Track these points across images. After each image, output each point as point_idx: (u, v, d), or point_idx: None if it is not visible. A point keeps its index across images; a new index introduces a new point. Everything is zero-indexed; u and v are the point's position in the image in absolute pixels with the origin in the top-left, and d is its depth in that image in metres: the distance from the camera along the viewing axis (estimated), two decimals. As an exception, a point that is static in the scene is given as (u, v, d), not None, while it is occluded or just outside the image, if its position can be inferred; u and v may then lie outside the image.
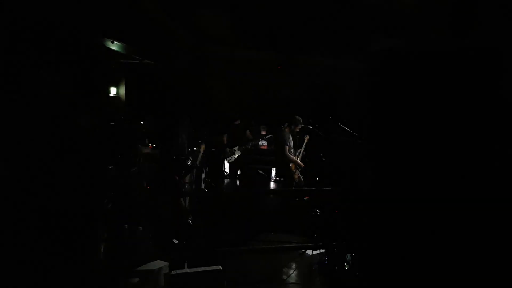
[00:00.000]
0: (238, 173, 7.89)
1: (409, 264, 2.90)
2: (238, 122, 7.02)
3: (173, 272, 3.47)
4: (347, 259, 4.19)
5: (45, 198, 3.17)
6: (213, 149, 6.72)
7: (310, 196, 6.20)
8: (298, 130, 6.27)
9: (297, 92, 8.04)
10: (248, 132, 7.07)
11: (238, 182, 7.19)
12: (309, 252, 4.76)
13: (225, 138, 6.93)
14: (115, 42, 5.76)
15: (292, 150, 6.31)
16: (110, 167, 4.76)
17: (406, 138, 3.09)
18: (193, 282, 3.43)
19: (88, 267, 3.38)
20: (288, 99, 8.06)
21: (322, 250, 4.71)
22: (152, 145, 5.93)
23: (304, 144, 6.58)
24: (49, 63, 3.46)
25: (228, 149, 6.88)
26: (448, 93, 2.79)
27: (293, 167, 6.22)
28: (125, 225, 3.94)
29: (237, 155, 6.91)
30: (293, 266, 4.49)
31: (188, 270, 3.55)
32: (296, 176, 6.29)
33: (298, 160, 6.32)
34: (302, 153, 6.51)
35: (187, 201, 4.98)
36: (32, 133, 3.12)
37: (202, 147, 5.88)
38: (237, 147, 6.88)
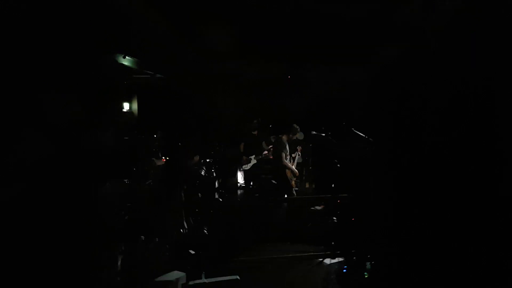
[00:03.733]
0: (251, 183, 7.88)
1: (428, 273, 2.84)
2: (255, 132, 7.06)
3: (191, 283, 3.45)
4: (367, 267, 4.10)
5: (62, 213, 3.19)
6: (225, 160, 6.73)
7: (325, 204, 6.16)
8: (295, 138, 6.38)
9: (307, 101, 8.02)
10: (264, 143, 7.11)
11: (252, 192, 7.16)
12: (327, 261, 4.68)
13: (242, 146, 6.97)
14: (127, 57, 5.86)
15: (289, 157, 6.41)
16: (125, 180, 4.79)
17: (416, 142, 3.06)
18: (211, 292, 3.41)
19: (106, 280, 3.38)
20: (299, 107, 8.05)
21: (340, 259, 4.62)
22: (165, 158, 5.98)
23: (298, 153, 6.73)
24: (62, 77, 3.51)
25: (244, 157, 6.92)
26: (454, 96, 2.77)
27: (289, 174, 6.25)
28: (142, 236, 3.93)
29: (252, 163, 6.93)
30: (311, 275, 4.41)
31: (205, 280, 3.52)
32: (293, 183, 6.37)
33: (293, 167, 6.40)
34: (297, 159, 6.61)
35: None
36: (47, 149, 3.15)
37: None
38: (253, 156, 6.91)
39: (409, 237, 3.19)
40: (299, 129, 6.32)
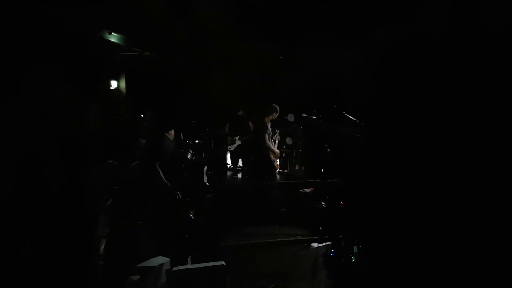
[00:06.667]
0: (240, 164, 7.86)
1: (415, 258, 2.82)
2: (241, 113, 7.02)
3: (175, 269, 3.39)
4: (354, 251, 4.10)
5: (42, 196, 3.09)
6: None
7: (314, 188, 6.13)
8: (275, 118, 6.25)
9: (299, 83, 7.89)
10: (250, 123, 7.04)
11: (240, 174, 7.17)
12: (314, 245, 4.68)
13: (227, 127, 6.92)
14: (113, 33, 5.63)
15: (271, 139, 6.33)
16: (110, 161, 4.67)
17: (413, 128, 2.97)
18: (196, 278, 3.34)
19: (88, 265, 3.31)
20: (291, 90, 7.92)
21: (328, 243, 4.62)
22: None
23: (277, 136, 6.62)
24: (45, 56, 3.34)
25: (229, 138, 6.90)
26: (453, 80, 2.67)
27: (272, 156, 6.19)
28: (125, 220, 3.85)
29: (237, 144, 6.92)
30: (298, 259, 4.41)
31: (190, 266, 3.47)
32: (276, 165, 6.31)
33: (275, 148, 6.33)
34: (277, 139, 6.58)
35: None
36: (31, 132, 3.02)
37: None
38: (238, 136, 6.89)
39: (397, 222, 3.15)
40: (277, 108, 6.19)
